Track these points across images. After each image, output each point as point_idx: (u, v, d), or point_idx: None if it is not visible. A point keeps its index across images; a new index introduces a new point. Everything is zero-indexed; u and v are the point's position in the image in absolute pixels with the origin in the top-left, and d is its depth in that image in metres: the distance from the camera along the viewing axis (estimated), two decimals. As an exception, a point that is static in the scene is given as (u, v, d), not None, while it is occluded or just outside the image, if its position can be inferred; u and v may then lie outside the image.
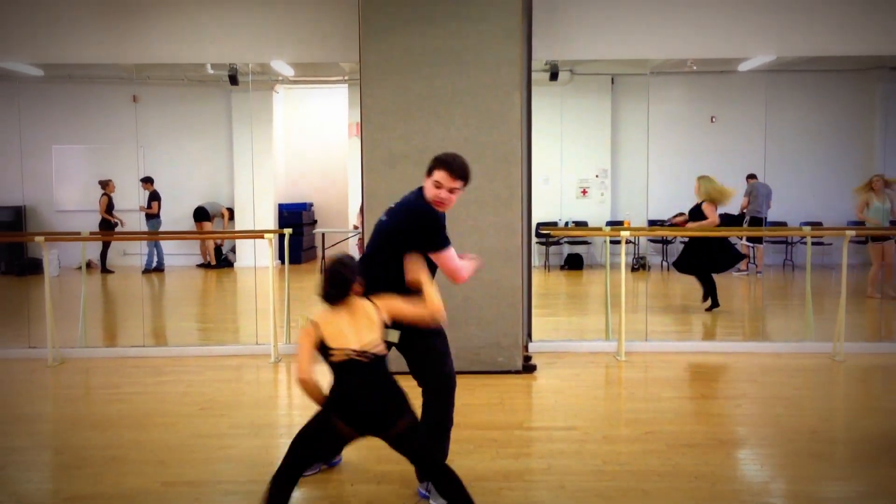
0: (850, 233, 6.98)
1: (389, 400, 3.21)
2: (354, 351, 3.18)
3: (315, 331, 3.19)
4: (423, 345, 3.77)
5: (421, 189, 3.82)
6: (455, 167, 3.71)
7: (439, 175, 3.70)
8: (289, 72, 9.40)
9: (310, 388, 3.21)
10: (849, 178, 9.61)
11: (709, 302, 8.59)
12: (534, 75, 6.96)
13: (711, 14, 7.14)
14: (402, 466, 3.83)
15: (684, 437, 4.74)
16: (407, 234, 3.71)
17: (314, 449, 3.32)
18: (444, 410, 3.84)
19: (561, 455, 4.46)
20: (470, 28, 6.21)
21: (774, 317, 8.40)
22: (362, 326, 3.26)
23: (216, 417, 5.23)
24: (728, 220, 8.66)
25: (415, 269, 3.56)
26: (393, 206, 3.89)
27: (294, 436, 3.31)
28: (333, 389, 3.22)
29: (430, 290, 3.45)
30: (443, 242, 3.73)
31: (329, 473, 4.19)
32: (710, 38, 7.17)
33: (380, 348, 3.24)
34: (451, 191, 3.72)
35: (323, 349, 3.20)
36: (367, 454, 4.35)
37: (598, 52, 7.31)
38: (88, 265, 8.19)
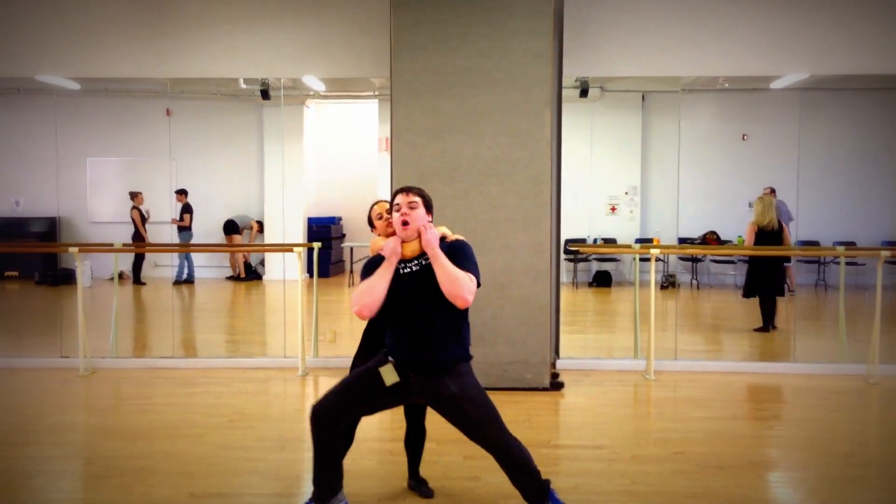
0: (885, 253, 6.85)
1: None
2: None
3: None
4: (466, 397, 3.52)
5: None
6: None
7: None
8: (320, 87, 9.47)
9: None
10: (883, 198, 9.47)
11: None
12: (564, 92, 6.96)
13: (744, 31, 7.10)
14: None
15: (715, 458, 4.68)
16: None
17: None
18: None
19: (588, 474, 4.42)
20: (501, 47, 6.24)
21: (807, 337, 8.27)
22: None
23: (244, 430, 5.25)
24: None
25: None
26: None
27: None
28: None
29: None
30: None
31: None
32: (743, 56, 7.13)
33: None
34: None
35: None
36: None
37: (629, 69, 7.29)
38: (120, 276, 8.29)
